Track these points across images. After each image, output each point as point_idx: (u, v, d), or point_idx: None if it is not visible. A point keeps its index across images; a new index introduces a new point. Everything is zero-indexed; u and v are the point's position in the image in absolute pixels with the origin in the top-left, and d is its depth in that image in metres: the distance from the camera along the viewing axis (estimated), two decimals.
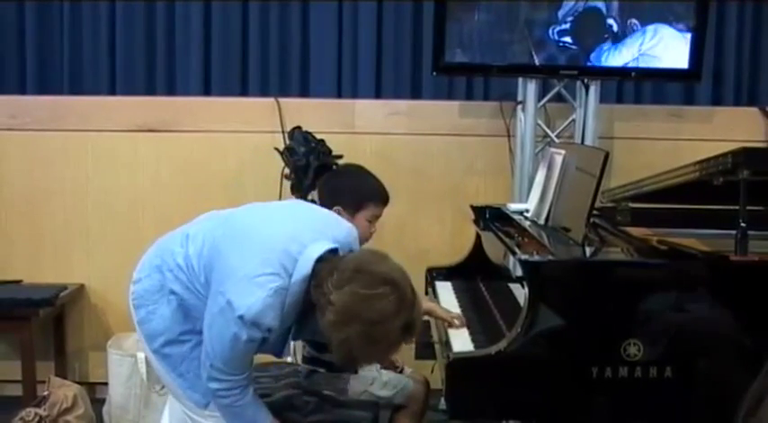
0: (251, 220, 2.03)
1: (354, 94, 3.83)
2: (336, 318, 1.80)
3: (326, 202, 2.51)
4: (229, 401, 1.98)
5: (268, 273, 1.85)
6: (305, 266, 1.87)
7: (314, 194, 3.09)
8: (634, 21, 3.41)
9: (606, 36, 3.41)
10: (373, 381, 2.46)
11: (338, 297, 1.79)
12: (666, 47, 3.42)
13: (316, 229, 1.98)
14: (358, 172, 2.61)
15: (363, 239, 2.52)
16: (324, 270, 1.85)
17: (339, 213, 2.46)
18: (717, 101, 3.88)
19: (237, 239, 1.95)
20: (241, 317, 1.82)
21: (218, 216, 2.11)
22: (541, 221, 2.54)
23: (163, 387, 2.65)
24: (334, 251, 1.92)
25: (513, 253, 2.24)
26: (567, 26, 3.39)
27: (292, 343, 3.03)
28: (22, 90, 3.87)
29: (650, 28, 3.41)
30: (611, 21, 3.40)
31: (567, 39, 3.40)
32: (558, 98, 3.64)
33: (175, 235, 2.10)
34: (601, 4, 3.39)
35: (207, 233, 2.03)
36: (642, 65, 3.44)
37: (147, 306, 2.05)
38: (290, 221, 2.02)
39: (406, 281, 1.85)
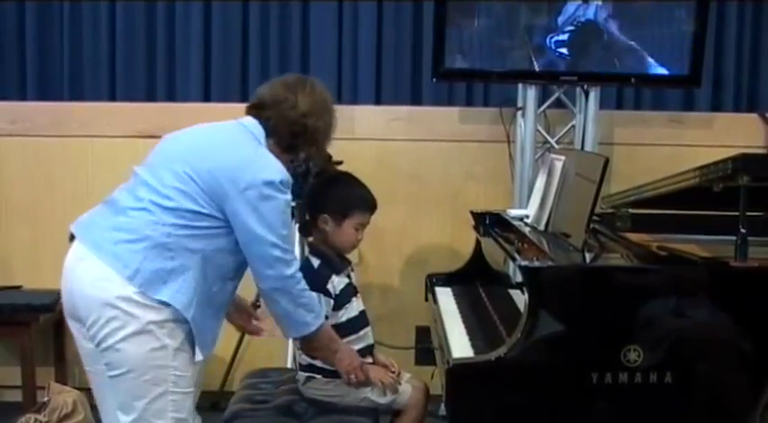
0: (191, 138, 2.19)
1: (354, 100, 3.83)
2: (316, 117, 2.18)
3: (312, 210, 2.49)
4: (300, 286, 2.14)
5: (255, 146, 2.13)
6: (256, 126, 2.18)
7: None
8: (633, 25, 3.40)
9: (603, 49, 3.40)
10: (372, 387, 2.45)
11: (304, 106, 2.17)
12: (666, 52, 3.42)
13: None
14: (345, 180, 2.57)
15: (350, 247, 2.51)
16: (268, 118, 2.18)
17: (325, 222, 2.46)
18: (716, 107, 3.87)
19: (205, 149, 2.11)
20: (282, 181, 2.06)
21: (144, 169, 2.12)
22: (541, 227, 2.54)
23: None
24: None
25: (513, 259, 2.24)
26: (566, 37, 3.38)
27: (290, 348, 3.04)
28: (22, 96, 3.87)
29: (649, 33, 3.41)
30: (607, 34, 3.39)
31: (564, 50, 3.39)
32: (558, 104, 3.64)
33: (128, 217, 2.05)
34: (598, 5, 3.38)
35: (165, 179, 2.05)
36: (642, 70, 3.44)
37: (166, 283, 2.01)
38: (206, 126, 2.25)
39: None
